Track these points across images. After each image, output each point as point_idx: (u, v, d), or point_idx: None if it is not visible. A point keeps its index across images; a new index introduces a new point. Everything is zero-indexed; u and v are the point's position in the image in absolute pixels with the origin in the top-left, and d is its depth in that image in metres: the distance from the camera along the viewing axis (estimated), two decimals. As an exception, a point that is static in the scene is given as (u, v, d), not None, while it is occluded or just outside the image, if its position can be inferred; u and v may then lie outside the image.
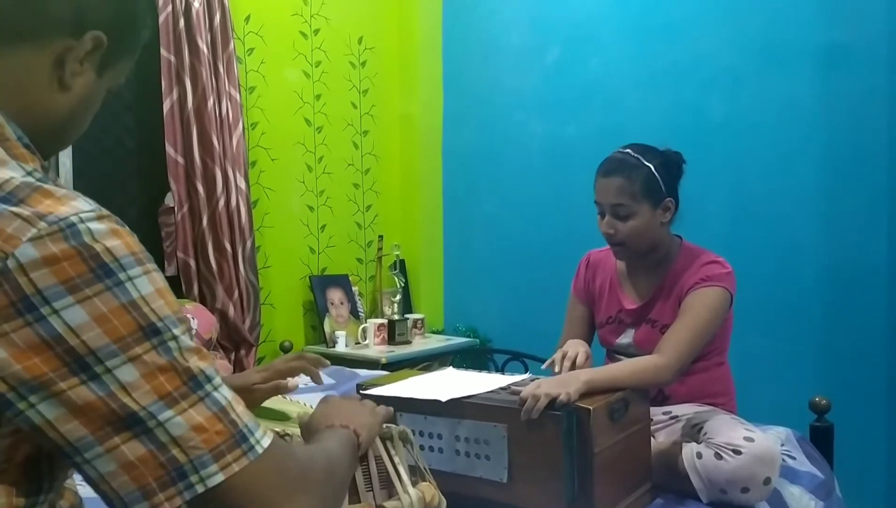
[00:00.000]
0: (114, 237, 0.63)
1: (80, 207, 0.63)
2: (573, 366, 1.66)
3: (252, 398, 1.19)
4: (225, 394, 0.66)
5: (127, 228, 0.66)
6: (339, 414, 0.97)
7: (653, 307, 1.83)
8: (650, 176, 1.76)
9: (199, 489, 0.62)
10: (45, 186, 0.64)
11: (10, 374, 0.59)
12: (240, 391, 1.16)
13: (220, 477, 0.63)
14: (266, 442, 0.67)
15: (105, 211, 0.65)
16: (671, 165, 1.81)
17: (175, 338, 0.64)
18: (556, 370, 1.66)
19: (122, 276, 0.62)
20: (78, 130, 0.79)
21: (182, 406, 0.63)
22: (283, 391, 1.24)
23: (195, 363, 0.65)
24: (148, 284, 0.64)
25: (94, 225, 0.62)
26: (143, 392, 0.61)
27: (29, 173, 0.65)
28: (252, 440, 0.66)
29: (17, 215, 0.60)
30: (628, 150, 1.81)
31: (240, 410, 0.67)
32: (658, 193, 1.76)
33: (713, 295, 1.70)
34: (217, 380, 0.66)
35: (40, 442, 0.62)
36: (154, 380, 0.62)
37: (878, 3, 2.46)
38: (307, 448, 0.84)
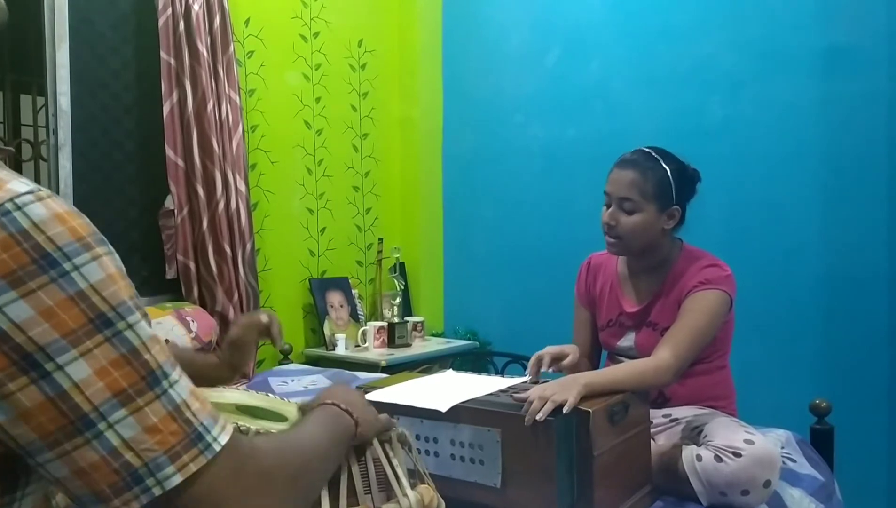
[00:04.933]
0: (57, 223, 0.58)
1: (15, 189, 0.58)
2: (552, 361, 1.69)
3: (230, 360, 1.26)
4: (181, 391, 0.63)
5: (73, 209, 0.61)
6: (343, 397, 0.93)
7: (653, 310, 1.83)
8: (664, 179, 1.76)
9: (157, 491, 0.60)
10: None
11: None
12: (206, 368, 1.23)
13: (177, 479, 0.61)
14: (224, 439, 0.64)
15: (45, 191, 0.59)
16: (687, 177, 1.81)
17: (131, 327, 0.60)
18: (531, 381, 1.65)
19: (66, 266, 0.57)
20: None
21: (136, 405, 0.60)
22: (260, 326, 1.30)
23: (155, 354, 0.62)
24: (98, 270, 0.59)
25: (32, 210, 0.57)
26: (96, 390, 0.58)
27: None
28: (209, 438, 0.63)
29: None
30: (649, 149, 1.81)
31: (196, 407, 0.64)
32: (668, 197, 1.76)
33: (712, 298, 1.70)
34: (174, 375, 0.63)
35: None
36: (107, 376, 0.58)
37: (877, 6, 2.46)
38: (280, 440, 0.80)
